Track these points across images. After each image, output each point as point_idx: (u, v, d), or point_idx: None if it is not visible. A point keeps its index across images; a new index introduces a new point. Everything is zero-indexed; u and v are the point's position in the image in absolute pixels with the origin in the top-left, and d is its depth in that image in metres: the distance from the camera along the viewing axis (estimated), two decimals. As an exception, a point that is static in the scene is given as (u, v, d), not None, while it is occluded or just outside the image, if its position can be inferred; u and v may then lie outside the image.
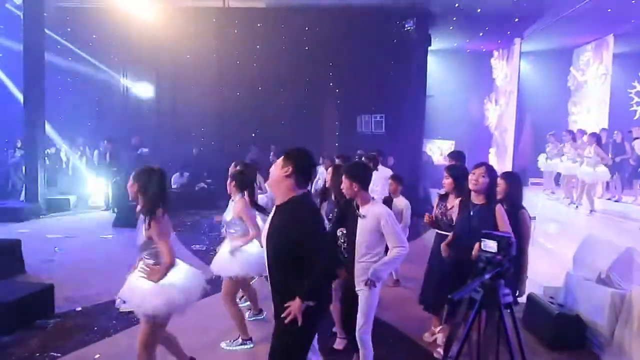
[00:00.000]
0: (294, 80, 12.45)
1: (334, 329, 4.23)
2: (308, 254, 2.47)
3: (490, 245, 2.13)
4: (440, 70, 14.12)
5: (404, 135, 11.71)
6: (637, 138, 9.07)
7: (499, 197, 3.71)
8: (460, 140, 13.99)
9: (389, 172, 6.76)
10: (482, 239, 2.16)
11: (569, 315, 4.43)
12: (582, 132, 10.41)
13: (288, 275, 2.55)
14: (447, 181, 4.02)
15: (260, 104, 12.42)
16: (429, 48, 11.72)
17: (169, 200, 3.25)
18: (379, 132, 12.61)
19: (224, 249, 4.27)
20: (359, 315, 3.37)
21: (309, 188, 2.76)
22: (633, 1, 9.44)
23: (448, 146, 13.72)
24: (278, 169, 2.63)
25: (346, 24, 11.45)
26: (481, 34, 12.27)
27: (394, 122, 12.19)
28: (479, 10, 10.37)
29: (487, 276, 2.00)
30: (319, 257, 2.48)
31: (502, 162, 13.32)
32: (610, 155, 10.09)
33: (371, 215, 3.31)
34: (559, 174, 10.73)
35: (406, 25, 11.58)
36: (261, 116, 12.50)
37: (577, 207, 9.18)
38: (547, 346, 4.30)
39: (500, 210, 3.52)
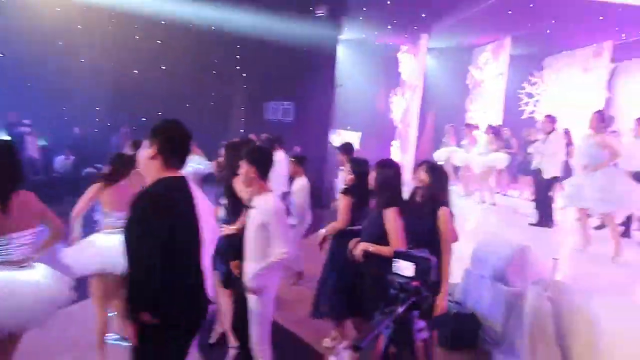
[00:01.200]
0: (199, 61, 11.69)
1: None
2: (130, 253, 2.07)
3: (405, 268, 1.74)
4: (349, 61, 14.05)
5: (312, 124, 11.48)
6: (536, 140, 9.55)
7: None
8: (367, 132, 14.08)
9: (283, 158, 6.58)
10: (394, 259, 1.78)
11: (465, 314, 4.44)
12: (477, 127, 10.83)
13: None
14: (371, 177, 3.49)
15: (163, 84, 11.51)
16: (340, 37, 11.55)
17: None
18: (287, 120, 12.27)
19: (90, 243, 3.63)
20: (251, 327, 3.03)
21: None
22: (531, 5, 9.92)
23: (355, 137, 13.73)
24: (144, 149, 2.18)
25: (255, 6, 10.91)
26: (390, 27, 12.33)
27: (302, 111, 11.92)
28: (388, 2, 10.35)
29: (400, 309, 1.62)
30: (139, 260, 2.06)
31: (404, 154, 13.61)
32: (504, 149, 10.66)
33: (261, 207, 2.96)
34: (458, 168, 11.08)
35: (317, 12, 11.29)
36: (163, 97, 11.58)
37: (482, 202, 9.54)
38: (443, 346, 4.27)
39: (444, 215, 3.32)
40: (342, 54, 13.28)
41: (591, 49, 12.89)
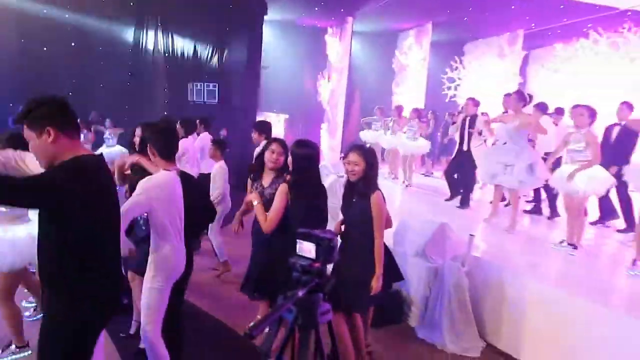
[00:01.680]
0: (116, 37, 10.99)
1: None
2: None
3: (307, 249, 1.67)
4: (276, 42, 13.86)
5: (237, 106, 11.22)
6: (454, 122, 9.95)
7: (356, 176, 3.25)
8: (294, 114, 14.02)
9: (208, 140, 6.42)
10: (298, 241, 1.68)
11: (390, 292, 4.56)
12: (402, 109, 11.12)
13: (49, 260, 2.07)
14: (290, 160, 3.40)
15: (76, 62, 10.70)
16: (265, 18, 11.32)
17: None
18: (211, 102, 11.88)
19: None
20: (142, 309, 2.90)
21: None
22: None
23: (282, 120, 13.65)
24: (33, 139, 2.01)
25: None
26: (316, 9, 12.27)
27: (227, 92, 11.59)
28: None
29: (300, 293, 1.55)
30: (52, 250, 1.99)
31: (332, 138, 13.72)
32: (428, 131, 11.07)
33: None
34: (384, 150, 11.33)
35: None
36: (76, 76, 10.77)
37: (403, 182, 9.83)
38: (370, 324, 4.37)
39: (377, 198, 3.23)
40: (268, 35, 13.05)
41: (506, 37, 13.62)
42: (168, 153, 2.90)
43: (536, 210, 7.19)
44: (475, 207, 7.40)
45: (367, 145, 4.05)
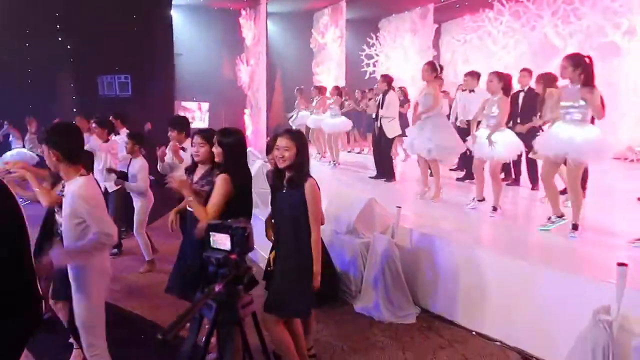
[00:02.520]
0: (10, 26, 10.05)
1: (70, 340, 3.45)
2: None
3: (222, 241, 1.59)
4: (188, 28, 13.33)
5: (153, 97, 10.70)
6: (371, 99, 10.09)
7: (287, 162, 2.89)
8: (216, 101, 13.65)
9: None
10: (210, 233, 1.61)
11: (324, 270, 4.57)
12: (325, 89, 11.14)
13: None
14: (217, 151, 3.13)
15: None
16: (173, 2, 10.81)
17: None
18: (125, 95, 11.26)
19: None
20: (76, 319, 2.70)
21: None
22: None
23: (203, 108, 13.24)
24: None
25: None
26: (227, -10, 11.91)
27: (141, 83, 11.02)
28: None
29: (217, 287, 1.44)
30: None
31: (256, 122, 13.52)
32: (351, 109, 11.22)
33: (70, 194, 2.61)
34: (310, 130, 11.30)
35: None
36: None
37: (329, 160, 9.87)
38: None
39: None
40: (179, 19, 12.52)
41: (417, 11, 13.96)
42: (74, 155, 2.66)
43: (468, 177, 7.50)
44: (402, 179, 7.60)
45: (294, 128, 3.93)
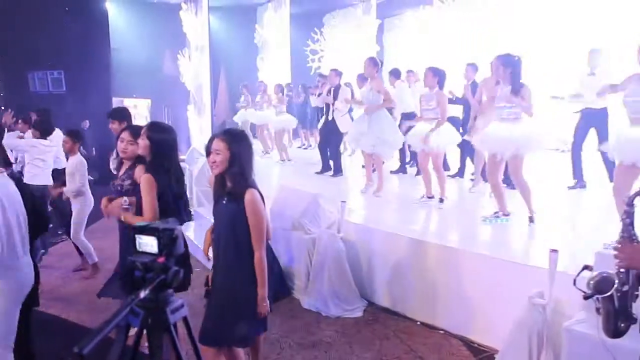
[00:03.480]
0: None
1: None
2: None
3: (148, 244, 1.48)
4: (125, 21, 12.79)
5: (89, 93, 10.23)
6: (313, 94, 10.09)
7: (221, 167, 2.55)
8: (157, 98, 13.22)
9: (60, 134, 5.81)
10: (135, 236, 1.49)
11: (271, 268, 4.54)
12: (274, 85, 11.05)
13: None
14: (143, 143, 2.91)
15: None
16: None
17: None
18: (58, 91, 10.70)
19: None
20: None
21: None
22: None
23: (144, 105, 12.79)
24: None
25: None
26: (166, -17, 11.54)
27: (76, 79, 10.49)
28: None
29: (142, 293, 1.36)
30: None
31: (201, 118, 13.22)
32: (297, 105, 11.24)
33: None
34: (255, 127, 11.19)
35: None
36: None
37: (270, 154, 9.81)
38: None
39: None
40: (115, 13, 12.01)
41: (360, 6, 14.08)
42: None
43: (402, 170, 7.66)
44: (349, 174, 7.66)
45: (239, 127, 3.76)
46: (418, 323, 4.01)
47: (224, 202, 2.58)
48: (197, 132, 13.24)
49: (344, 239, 4.46)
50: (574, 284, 1.87)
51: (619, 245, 1.80)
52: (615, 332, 1.92)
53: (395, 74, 7.93)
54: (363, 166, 6.81)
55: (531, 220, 4.43)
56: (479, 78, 6.54)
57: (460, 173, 7.13)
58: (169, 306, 1.47)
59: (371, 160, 6.28)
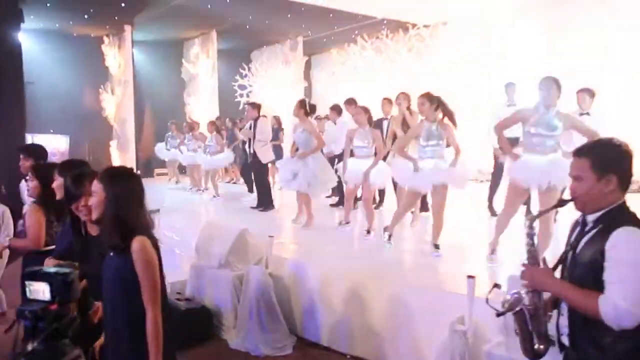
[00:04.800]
0: None
1: None
2: None
3: (39, 290, 1.35)
4: (42, 54, 12.23)
5: (0, 129, 9.53)
6: (241, 128, 10.07)
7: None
8: (77, 134, 12.60)
9: None
10: (26, 282, 1.35)
11: (195, 309, 4.37)
12: (197, 123, 10.97)
13: None
14: (32, 184, 2.87)
15: None
16: (23, 26, 9.84)
17: None
18: (-36, 128, 9.88)
19: None
20: None
21: None
22: (228, 0, 10.34)
23: (62, 142, 12.13)
24: None
25: None
26: (86, 17, 11.17)
27: (-16, 115, 9.76)
28: (79, -12, 9.30)
29: (30, 346, 1.24)
30: None
31: (124, 154, 12.73)
32: (225, 141, 11.20)
33: None
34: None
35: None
36: None
37: (202, 192, 9.58)
38: (179, 347, 4.09)
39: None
40: (31, 45, 11.45)
41: (287, 43, 14.39)
42: None
43: (339, 203, 7.72)
44: (280, 208, 7.62)
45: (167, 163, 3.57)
46: (348, 357, 3.98)
47: (111, 255, 2.19)
48: (120, 169, 12.70)
49: (273, 274, 4.40)
50: (487, 302, 1.96)
51: (524, 268, 1.93)
52: (532, 352, 2.00)
53: (337, 109, 8.07)
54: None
55: (436, 247, 4.63)
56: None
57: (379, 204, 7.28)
58: (64, 358, 1.34)
59: (307, 198, 6.33)
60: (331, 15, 11.35)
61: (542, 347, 1.95)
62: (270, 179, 8.80)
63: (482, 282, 3.12)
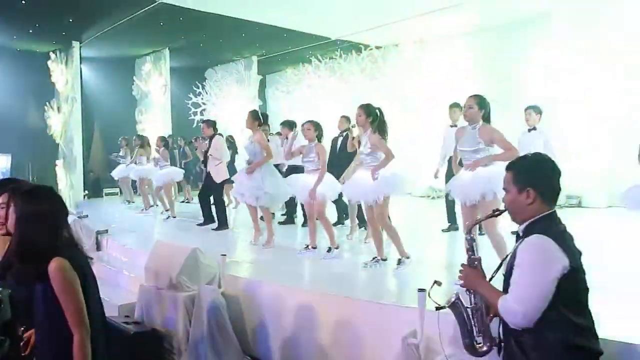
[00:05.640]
0: None
1: None
2: None
3: None
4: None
5: None
6: (197, 148, 9.94)
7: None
8: (20, 153, 12.06)
9: None
10: None
11: (145, 332, 4.21)
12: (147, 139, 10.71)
13: None
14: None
15: None
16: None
17: None
18: None
19: None
20: None
21: None
22: (181, 19, 10.26)
23: (3, 161, 11.57)
24: None
25: None
26: (31, 31, 10.80)
27: None
28: (23, 1, 8.97)
29: None
30: None
31: (71, 174, 12.26)
32: (178, 159, 11.06)
33: None
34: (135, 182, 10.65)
35: None
36: None
37: (149, 209, 9.33)
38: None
39: None
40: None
41: (242, 62, 14.40)
42: None
43: (290, 221, 7.71)
44: (236, 227, 7.52)
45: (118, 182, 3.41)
46: (302, 375, 3.93)
47: (37, 285, 2.06)
48: (67, 189, 12.21)
49: (226, 294, 4.31)
50: (429, 296, 2.21)
51: (462, 268, 2.12)
52: (472, 348, 2.10)
53: (290, 125, 8.08)
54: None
55: (400, 262, 4.61)
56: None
57: (340, 221, 7.32)
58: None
59: (255, 211, 6.25)
60: (285, 35, 11.48)
61: (484, 347, 2.04)
62: (225, 197, 8.70)
63: (435, 294, 3.16)
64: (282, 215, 8.05)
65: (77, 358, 1.97)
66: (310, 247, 5.55)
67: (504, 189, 2.05)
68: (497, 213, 2.13)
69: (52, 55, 12.29)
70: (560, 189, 2.02)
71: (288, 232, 7.30)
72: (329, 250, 5.38)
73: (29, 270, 2.01)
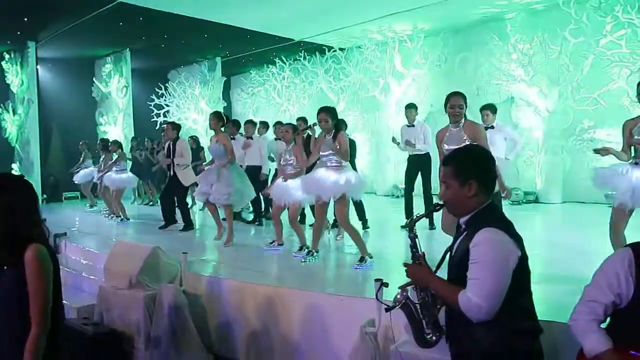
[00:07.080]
0: None
1: None
2: None
3: None
4: None
5: None
6: (159, 150, 9.79)
7: None
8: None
9: None
10: None
11: (104, 333, 4.15)
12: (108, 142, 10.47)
13: None
14: None
15: None
16: None
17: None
18: None
19: None
20: None
21: None
22: (141, 18, 10.10)
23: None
24: None
25: None
26: (-17, 30, 10.45)
27: None
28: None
29: None
30: None
31: (29, 177, 11.83)
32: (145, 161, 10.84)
33: None
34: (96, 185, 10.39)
35: None
36: None
37: (113, 217, 9.13)
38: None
39: None
40: None
41: (205, 63, 14.29)
42: None
43: (257, 221, 7.68)
44: (201, 227, 7.46)
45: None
46: (266, 371, 3.96)
47: (4, 269, 1.98)
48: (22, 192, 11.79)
49: (187, 292, 4.29)
50: (376, 298, 2.35)
51: (406, 268, 2.12)
52: (423, 341, 2.16)
53: (265, 126, 8.10)
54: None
55: (363, 260, 4.64)
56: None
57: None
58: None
59: (214, 210, 6.28)
60: (248, 36, 11.45)
61: (433, 337, 2.12)
62: (189, 199, 8.63)
63: (393, 287, 3.25)
64: (250, 213, 8.04)
65: (29, 353, 1.88)
66: (276, 243, 5.58)
67: (443, 182, 2.05)
68: (437, 208, 2.16)
69: (7, 56, 11.89)
70: (495, 177, 2.09)
71: (256, 230, 7.32)
72: (300, 249, 5.38)
73: (5, 260, 1.95)
